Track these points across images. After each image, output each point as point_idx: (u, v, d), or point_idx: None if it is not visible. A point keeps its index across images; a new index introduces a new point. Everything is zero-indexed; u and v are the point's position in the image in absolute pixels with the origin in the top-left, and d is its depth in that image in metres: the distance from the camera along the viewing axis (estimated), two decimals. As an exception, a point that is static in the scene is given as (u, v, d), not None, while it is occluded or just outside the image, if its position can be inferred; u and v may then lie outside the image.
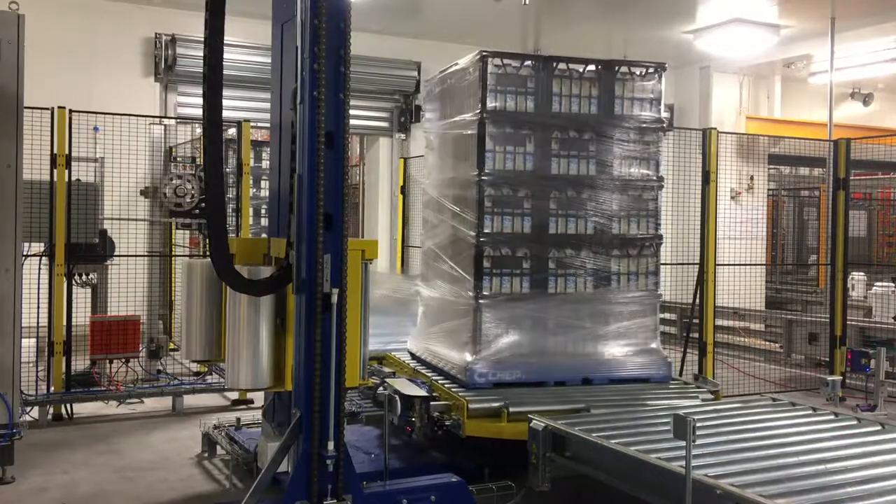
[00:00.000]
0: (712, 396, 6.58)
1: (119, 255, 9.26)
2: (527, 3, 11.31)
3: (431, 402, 5.96)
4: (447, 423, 5.90)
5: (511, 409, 5.85)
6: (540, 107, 6.58)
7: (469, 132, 6.58)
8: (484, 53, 6.41)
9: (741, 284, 10.77)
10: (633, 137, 6.78)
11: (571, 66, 6.66)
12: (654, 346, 6.82)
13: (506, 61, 6.51)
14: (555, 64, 6.63)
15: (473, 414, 5.84)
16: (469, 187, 6.51)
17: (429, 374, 6.69)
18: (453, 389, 6.20)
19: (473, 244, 6.39)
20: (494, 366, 6.32)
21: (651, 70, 6.85)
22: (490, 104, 6.42)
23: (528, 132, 6.54)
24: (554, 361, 6.53)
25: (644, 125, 6.81)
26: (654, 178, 6.86)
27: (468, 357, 6.35)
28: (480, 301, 6.35)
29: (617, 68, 6.79)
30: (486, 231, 6.37)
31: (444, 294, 6.85)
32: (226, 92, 4.69)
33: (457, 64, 6.97)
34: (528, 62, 6.61)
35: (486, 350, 6.34)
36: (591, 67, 6.72)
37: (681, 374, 8.54)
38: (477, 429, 5.82)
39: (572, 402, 6.08)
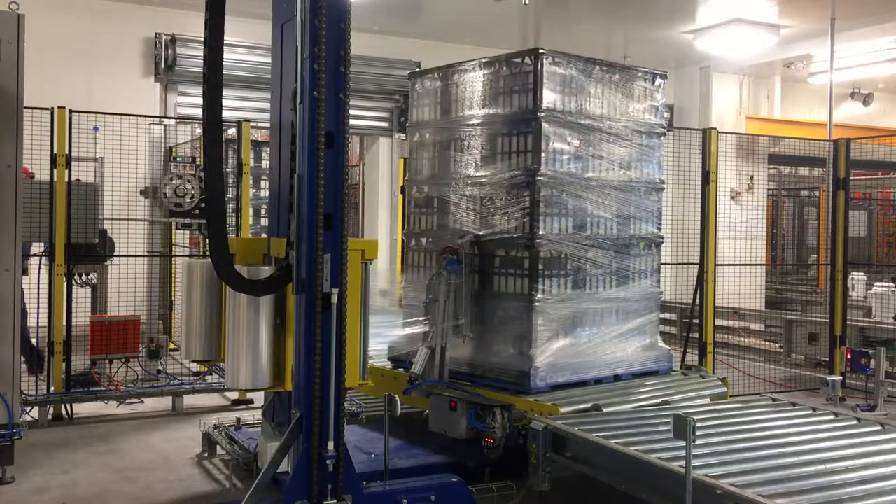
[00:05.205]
0: (720, 382, 7.02)
1: (119, 255, 9.26)
2: (527, 3, 11.32)
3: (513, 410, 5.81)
4: None
5: (605, 410, 5.84)
6: (581, 107, 6.64)
7: (510, 130, 6.55)
8: (541, 51, 6.38)
9: (741, 284, 10.78)
10: (649, 142, 7.04)
11: (602, 68, 6.78)
12: (658, 340, 7.16)
13: (557, 59, 6.50)
14: (593, 65, 6.72)
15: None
16: (513, 188, 6.46)
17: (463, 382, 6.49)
18: (518, 396, 6.09)
19: (526, 245, 6.35)
20: (550, 368, 6.29)
21: (659, 75, 7.17)
22: (546, 102, 6.38)
23: (572, 132, 6.56)
24: (592, 360, 6.58)
25: (654, 128, 7.11)
26: (659, 179, 7.18)
27: (527, 361, 6.23)
28: (536, 303, 6.29)
29: (635, 72, 7.02)
30: (540, 232, 6.34)
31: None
32: (226, 92, 4.69)
33: (463, 62, 6.97)
34: (572, 62, 6.61)
35: (544, 353, 6.29)
36: (613, 70, 6.88)
37: (681, 373, 8.57)
38: None
39: (640, 397, 6.28)
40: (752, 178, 15.41)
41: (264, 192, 12.28)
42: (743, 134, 15.17)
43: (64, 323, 8.09)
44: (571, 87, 6.59)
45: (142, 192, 10.36)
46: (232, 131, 9.83)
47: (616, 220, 6.84)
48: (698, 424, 4.28)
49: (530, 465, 5.29)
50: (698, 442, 4.46)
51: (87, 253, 8.52)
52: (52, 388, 8.03)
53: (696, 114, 15.89)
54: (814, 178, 18.92)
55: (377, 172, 14.96)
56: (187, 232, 10.85)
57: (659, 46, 14.54)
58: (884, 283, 12.53)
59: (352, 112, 4.65)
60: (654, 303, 7.10)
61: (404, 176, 8.30)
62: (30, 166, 8.12)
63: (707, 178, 9.24)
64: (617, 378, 6.68)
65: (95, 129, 9.07)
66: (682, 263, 9.61)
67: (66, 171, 8.01)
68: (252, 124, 9.22)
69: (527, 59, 6.49)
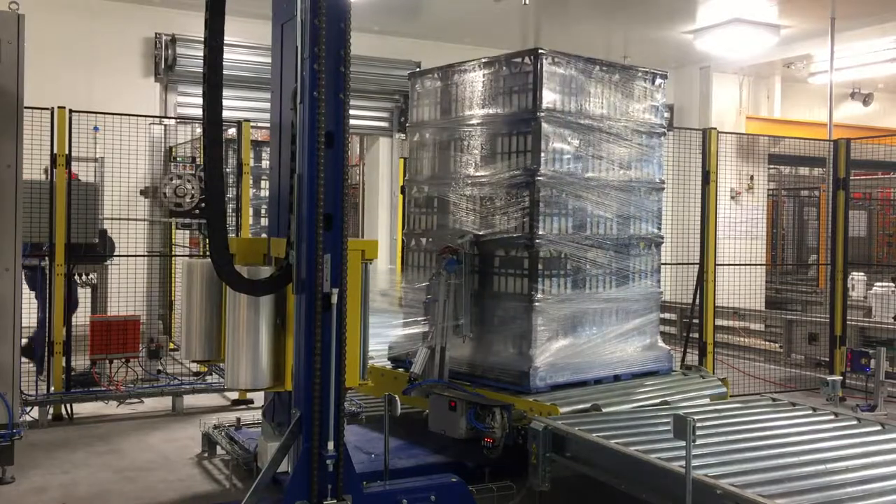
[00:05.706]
0: (720, 382, 7.02)
1: (119, 255, 9.27)
2: (527, 3, 11.32)
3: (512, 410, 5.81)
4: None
5: (604, 410, 5.84)
6: (581, 107, 6.65)
7: (510, 130, 6.55)
8: (541, 51, 6.39)
9: (741, 284, 10.78)
10: (649, 142, 7.06)
11: (601, 68, 6.79)
12: (658, 340, 7.18)
13: (557, 59, 6.51)
14: (593, 65, 6.73)
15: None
16: (513, 188, 6.47)
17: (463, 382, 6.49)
18: (518, 396, 6.09)
19: (526, 245, 6.35)
20: (550, 368, 6.29)
21: (659, 75, 7.20)
22: (546, 102, 6.38)
23: (572, 132, 6.57)
24: (592, 360, 6.60)
25: (654, 128, 7.12)
26: (659, 179, 7.20)
27: (527, 361, 6.23)
28: (536, 303, 6.29)
29: (635, 72, 7.04)
30: (539, 233, 6.34)
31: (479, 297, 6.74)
32: (226, 92, 4.69)
33: (463, 62, 6.96)
34: (571, 62, 6.62)
35: (543, 353, 6.30)
36: (613, 70, 6.89)
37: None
38: None
39: (640, 397, 6.28)
40: (752, 178, 15.41)
41: (264, 192, 12.28)
42: (743, 134, 15.17)
43: (64, 323, 8.09)
44: (571, 87, 6.60)
45: (142, 192, 10.36)
46: (232, 131, 9.83)
47: (616, 220, 6.85)
48: (698, 424, 4.28)
49: (530, 465, 5.29)
50: (698, 442, 4.46)
51: (87, 253, 8.52)
52: (52, 388, 8.03)
53: (696, 114, 15.89)
54: (814, 178, 18.92)
55: (377, 172, 14.96)
56: (187, 232, 10.85)
57: (659, 46, 14.54)
58: (884, 283, 12.52)
59: (352, 112, 4.66)
60: (654, 303, 7.12)
61: (404, 176, 8.30)
62: (30, 166, 8.12)
63: (707, 178, 9.24)
64: (617, 378, 6.70)
65: (95, 129, 9.07)
66: (682, 263, 9.61)
67: (66, 171, 8.01)
68: (252, 124, 9.22)
69: (527, 59, 6.50)
